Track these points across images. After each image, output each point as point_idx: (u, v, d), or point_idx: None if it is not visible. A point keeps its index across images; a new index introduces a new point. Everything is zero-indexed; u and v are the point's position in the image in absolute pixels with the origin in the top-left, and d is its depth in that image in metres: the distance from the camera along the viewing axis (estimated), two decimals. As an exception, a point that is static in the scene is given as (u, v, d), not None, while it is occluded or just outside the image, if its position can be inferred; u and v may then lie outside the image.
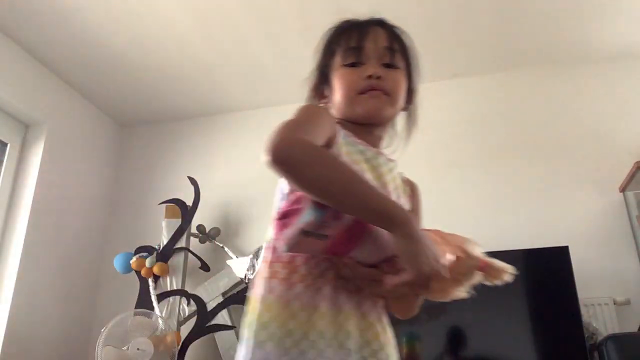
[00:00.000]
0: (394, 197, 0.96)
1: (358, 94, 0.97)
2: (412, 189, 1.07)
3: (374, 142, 1.01)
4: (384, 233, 0.80)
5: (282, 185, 0.99)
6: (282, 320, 0.82)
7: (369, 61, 0.99)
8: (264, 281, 0.87)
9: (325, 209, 0.78)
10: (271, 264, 0.89)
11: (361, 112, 0.98)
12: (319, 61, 1.11)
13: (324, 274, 0.86)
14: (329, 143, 0.90)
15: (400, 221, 0.78)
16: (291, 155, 0.77)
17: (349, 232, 0.81)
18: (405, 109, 1.07)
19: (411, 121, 1.09)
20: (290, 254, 0.86)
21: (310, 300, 0.84)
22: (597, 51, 2.71)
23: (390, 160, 1.02)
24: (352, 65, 1.00)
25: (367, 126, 1.00)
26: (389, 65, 1.00)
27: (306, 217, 0.78)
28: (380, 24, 1.08)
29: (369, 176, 0.93)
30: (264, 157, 0.76)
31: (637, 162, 2.25)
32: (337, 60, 1.04)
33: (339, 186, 0.78)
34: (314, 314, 0.83)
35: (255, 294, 0.88)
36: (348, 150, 0.93)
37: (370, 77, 0.97)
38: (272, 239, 0.90)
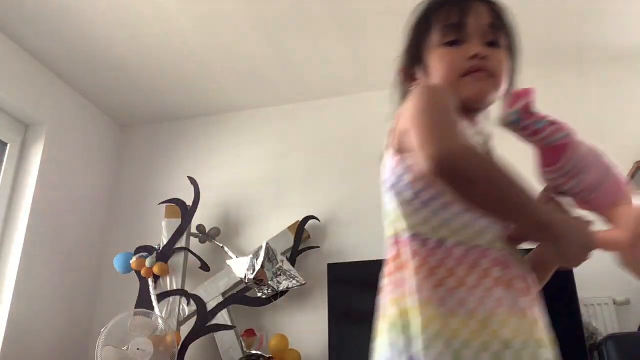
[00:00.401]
0: None
1: (461, 76, 0.89)
2: None
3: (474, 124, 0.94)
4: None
5: (402, 159, 0.85)
6: (453, 330, 0.72)
7: (471, 40, 0.90)
8: (419, 280, 0.77)
9: None
10: (423, 260, 0.78)
11: (465, 96, 0.88)
12: (410, 39, 1.02)
13: (488, 272, 0.77)
14: None
15: (557, 232, 0.75)
16: (461, 169, 0.70)
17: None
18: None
19: None
20: (444, 252, 0.78)
21: (481, 305, 0.75)
22: (597, 51, 2.71)
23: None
24: (453, 44, 0.90)
25: (466, 112, 0.89)
26: (493, 44, 0.91)
27: None
28: (499, 4, 0.96)
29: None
30: (426, 164, 0.70)
31: (637, 162, 2.25)
32: (434, 38, 0.93)
33: (508, 205, 0.73)
34: (491, 321, 0.73)
35: (404, 294, 0.78)
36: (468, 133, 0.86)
37: (474, 57, 0.88)
38: (414, 230, 0.81)
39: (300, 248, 2.67)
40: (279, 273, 2.48)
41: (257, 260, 2.49)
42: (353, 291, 2.47)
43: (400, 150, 0.85)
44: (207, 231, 2.83)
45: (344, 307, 2.43)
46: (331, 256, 2.67)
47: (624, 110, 2.64)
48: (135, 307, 2.54)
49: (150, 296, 2.57)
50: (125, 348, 2.20)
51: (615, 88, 2.70)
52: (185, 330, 2.55)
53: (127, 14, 2.43)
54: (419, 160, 0.73)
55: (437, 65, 0.91)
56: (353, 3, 2.37)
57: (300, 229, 2.68)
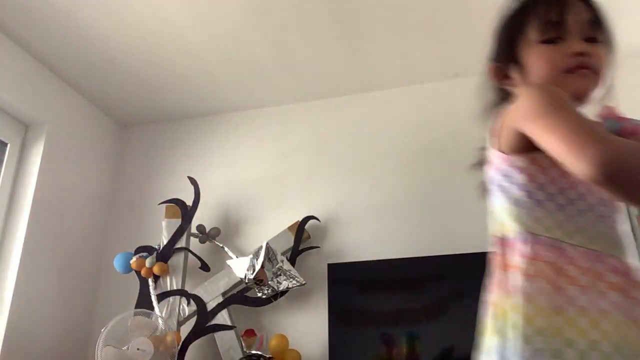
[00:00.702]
0: None
1: (564, 73, 0.88)
2: None
3: None
4: None
5: (509, 160, 0.85)
6: (557, 328, 0.71)
7: (571, 36, 0.89)
8: (525, 279, 0.76)
9: None
10: (532, 260, 0.77)
11: (570, 93, 0.86)
12: (503, 37, 1.00)
13: (602, 275, 0.76)
14: None
15: None
16: (633, 169, 0.65)
17: None
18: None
19: (608, 99, 1.00)
20: (557, 252, 0.77)
21: (593, 304, 0.72)
22: (597, 51, 2.71)
23: None
24: (552, 41, 0.89)
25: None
26: (592, 40, 0.91)
27: None
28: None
29: None
30: (589, 170, 0.65)
31: (637, 162, 2.25)
32: (532, 35, 0.92)
33: None
34: (603, 321, 0.71)
35: (513, 291, 0.76)
36: None
37: (578, 54, 0.88)
38: (526, 229, 0.80)
39: (300, 248, 2.67)
40: (279, 273, 2.48)
41: (257, 260, 2.49)
42: (353, 291, 2.47)
43: (508, 149, 0.84)
44: (207, 231, 2.83)
45: (344, 307, 2.43)
46: (331, 256, 2.67)
47: (623, 110, 2.63)
48: (135, 307, 2.54)
49: (150, 296, 2.57)
50: (125, 348, 2.20)
51: (615, 88, 2.69)
52: (185, 330, 2.55)
53: (127, 14, 2.43)
54: (572, 166, 0.69)
55: (537, 63, 0.90)
56: (353, 3, 2.37)
57: (300, 229, 2.68)
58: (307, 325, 2.54)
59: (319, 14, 2.43)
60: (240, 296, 2.59)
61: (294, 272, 2.51)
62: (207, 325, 2.54)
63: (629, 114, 2.67)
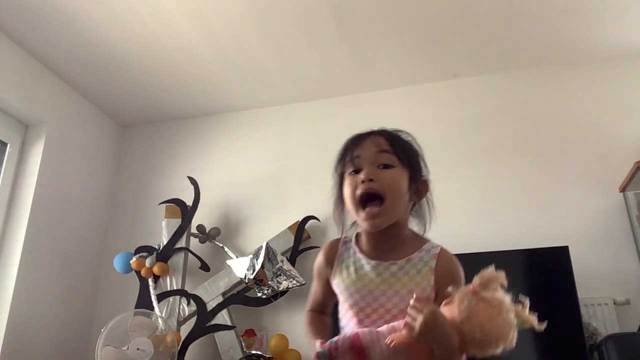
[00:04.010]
0: (396, 299, 1.04)
1: (358, 206, 1.08)
2: (438, 268, 1.07)
3: (389, 246, 1.10)
4: None
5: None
6: None
7: (364, 167, 1.09)
8: None
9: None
10: None
11: (364, 228, 1.10)
12: (336, 174, 1.19)
13: None
14: (327, 281, 1.18)
15: None
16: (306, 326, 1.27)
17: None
18: (419, 199, 1.15)
19: (429, 208, 1.17)
20: None
21: None
22: (597, 51, 2.71)
23: (407, 260, 1.08)
24: (355, 172, 1.10)
25: (379, 232, 1.08)
26: (386, 166, 1.08)
27: None
28: (380, 132, 1.15)
29: (353, 288, 1.09)
30: None
31: (637, 162, 2.25)
32: (346, 172, 1.14)
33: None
34: None
35: None
36: (342, 278, 1.12)
37: (363, 181, 1.06)
38: None
39: (300, 248, 2.67)
40: (279, 273, 2.48)
41: (257, 260, 2.49)
42: (353, 291, 2.47)
43: None
44: (207, 231, 2.83)
45: (344, 307, 2.43)
46: (331, 256, 2.66)
47: (624, 110, 2.64)
48: (135, 307, 2.54)
49: (150, 296, 2.57)
50: (125, 348, 2.20)
51: (615, 88, 2.70)
52: (185, 330, 2.55)
53: (127, 14, 2.43)
54: None
55: (345, 193, 1.15)
56: (353, 3, 2.37)
57: (300, 229, 2.68)
58: (307, 325, 2.54)
59: (319, 14, 2.43)
60: (240, 296, 2.59)
61: (294, 272, 2.51)
62: (207, 325, 2.54)
63: (629, 114, 2.64)
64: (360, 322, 1.06)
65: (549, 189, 2.58)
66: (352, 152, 1.12)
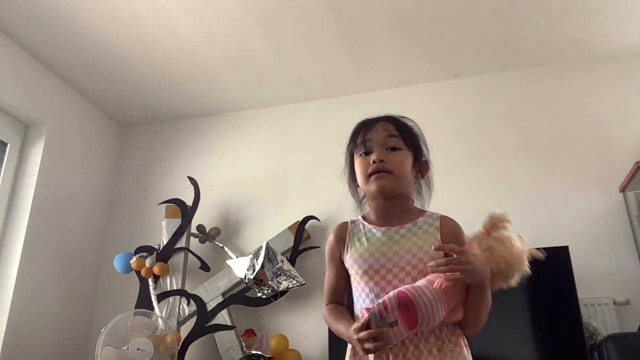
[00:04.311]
0: (408, 256, 1.14)
1: (368, 177, 1.22)
2: (443, 226, 1.22)
3: (396, 214, 1.23)
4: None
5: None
6: None
7: (375, 149, 1.23)
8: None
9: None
10: None
11: (373, 190, 1.22)
12: (347, 156, 1.35)
13: None
14: (340, 260, 1.26)
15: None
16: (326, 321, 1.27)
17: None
18: (422, 177, 1.31)
19: (428, 187, 1.33)
20: None
21: None
22: (597, 51, 2.71)
23: (414, 223, 1.21)
24: (365, 154, 1.25)
25: (387, 200, 1.23)
26: (394, 149, 1.23)
27: None
28: (388, 118, 1.30)
29: (367, 254, 1.18)
30: None
31: (637, 162, 2.25)
32: (356, 153, 1.29)
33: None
34: None
35: None
36: (356, 248, 1.22)
37: (373, 162, 1.21)
38: None
39: (300, 248, 2.67)
40: (279, 273, 2.48)
41: (257, 260, 2.49)
42: (353, 291, 2.47)
43: None
44: (207, 231, 2.83)
45: (344, 307, 2.43)
46: (331, 256, 2.66)
47: (624, 110, 2.64)
48: (135, 307, 2.54)
49: (150, 296, 2.57)
50: (125, 348, 2.20)
51: (615, 88, 2.70)
52: (185, 330, 2.55)
53: (126, 14, 2.43)
54: None
55: (357, 171, 1.30)
56: (353, 3, 2.37)
57: (300, 229, 2.68)
58: (307, 325, 2.54)
59: (318, 14, 2.43)
60: (240, 296, 2.59)
61: (294, 272, 2.51)
62: (207, 325, 2.54)
63: (629, 114, 2.64)
64: (377, 285, 1.14)
65: (549, 189, 2.58)
66: (363, 135, 1.26)
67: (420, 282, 1.06)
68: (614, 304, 2.28)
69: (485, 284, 1.07)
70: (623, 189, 2.43)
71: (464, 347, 1.12)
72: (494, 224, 1.08)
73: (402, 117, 1.32)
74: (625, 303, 2.29)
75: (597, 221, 2.45)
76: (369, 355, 1.08)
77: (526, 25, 2.53)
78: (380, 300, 1.02)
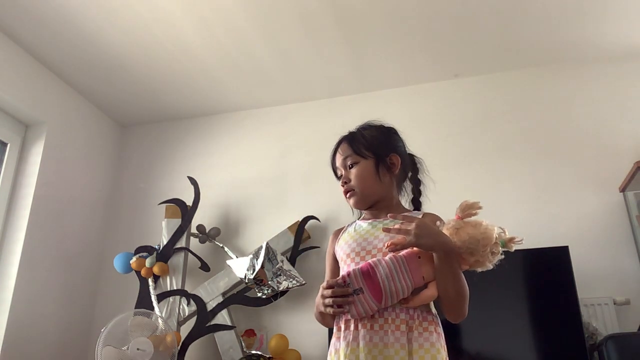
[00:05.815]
0: (387, 238, 1.19)
1: (346, 197, 1.36)
2: (424, 217, 1.27)
3: (384, 212, 1.29)
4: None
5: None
6: None
7: (342, 172, 1.37)
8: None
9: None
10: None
11: (352, 207, 1.38)
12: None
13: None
14: (334, 255, 1.34)
15: None
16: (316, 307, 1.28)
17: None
18: (395, 170, 1.35)
19: (419, 180, 1.44)
20: None
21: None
22: (597, 51, 2.71)
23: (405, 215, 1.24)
24: (339, 178, 1.39)
25: (369, 209, 1.36)
26: (352, 166, 1.34)
27: None
28: (344, 138, 1.40)
29: (351, 240, 1.28)
30: None
31: (637, 162, 2.25)
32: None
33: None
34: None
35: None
36: (344, 238, 1.32)
37: (343, 184, 1.35)
38: None
39: (300, 248, 2.67)
40: (279, 273, 2.48)
41: (257, 260, 2.49)
42: (353, 291, 2.47)
43: None
44: (207, 231, 2.83)
45: (344, 307, 2.43)
46: (331, 256, 2.66)
47: (624, 110, 2.64)
48: (135, 307, 2.54)
49: (150, 296, 2.57)
50: (125, 348, 2.20)
51: (615, 88, 2.70)
52: (185, 330, 2.55)
53: (126, 14, 2.43)
54: None
55: None
56: (353, 3, 2.37)
57: (300, 229, 2.68)
58: (307, 325, 2.54)
59: (319, 14, 2.43)
60: (240, 296, 2.59)
61: (294, 272, 2.51)
62: (207, 325, 2.54)
63: (629, 114, 2.64)
64: (357, 266, 1.18)
65: (549, 189, 2.58)
66: (333, 165, 1.41)
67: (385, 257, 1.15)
68: (614, 304, 2.28)
69: (446, 252, 1.11)
70: (623, 189, 2.43)
71: (436, 333, 1.15)
72: (465, 210, 1.14)
73: (359, 126, 1.41)
74: (625, 303, 2.29)
75: (597, 221, 2.45)
76: (342, 325, 1.16)
77: (526, 25, 2.53)
78: (345, 272, 1.14)
